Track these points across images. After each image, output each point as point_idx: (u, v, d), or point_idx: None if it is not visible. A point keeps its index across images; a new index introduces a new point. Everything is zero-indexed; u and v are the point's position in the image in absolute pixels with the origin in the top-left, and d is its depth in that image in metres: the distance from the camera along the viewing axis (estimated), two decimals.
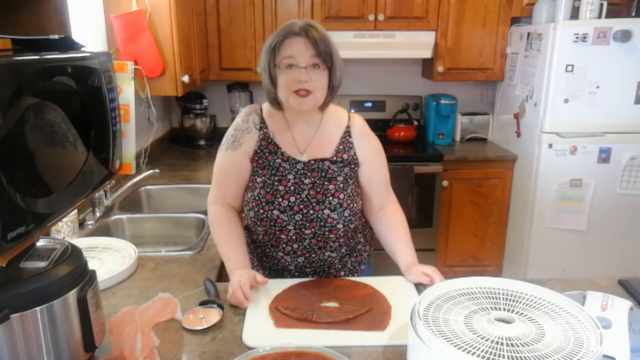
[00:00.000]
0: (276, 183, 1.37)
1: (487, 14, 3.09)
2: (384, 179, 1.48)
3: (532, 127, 2.87)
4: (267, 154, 1.38)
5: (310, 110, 1.36)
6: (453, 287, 1.01)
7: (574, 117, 2.72)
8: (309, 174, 1.38)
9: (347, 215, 1.38)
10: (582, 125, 2.73)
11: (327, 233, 1.38)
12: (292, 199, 1.36)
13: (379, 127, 3.31)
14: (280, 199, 1.35)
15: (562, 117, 2.73)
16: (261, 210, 1.36)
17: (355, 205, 1.40)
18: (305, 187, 1.37)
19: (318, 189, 1.37)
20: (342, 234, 1.41)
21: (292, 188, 1.36)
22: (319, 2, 3.01)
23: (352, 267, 1.51)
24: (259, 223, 1.39)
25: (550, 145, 2.78)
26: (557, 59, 2.65)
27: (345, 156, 1.40)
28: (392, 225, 1.46)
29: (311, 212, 1.36)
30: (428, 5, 3.05)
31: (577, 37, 2.60)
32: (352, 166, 1.41)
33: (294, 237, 1.39)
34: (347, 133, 1.43)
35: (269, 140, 1.39)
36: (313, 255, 1.42)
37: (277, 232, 1.38)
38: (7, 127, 0.69)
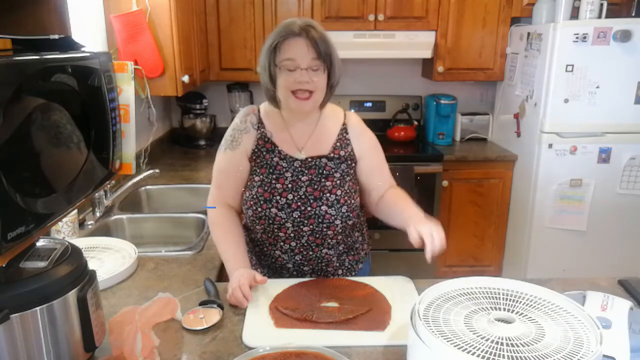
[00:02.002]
0: (274, 181, 1.37)
1: (487, 14, 3.09)
2: (385, 172, 1.47)
3: (532, 127, 2.87)
4: (264, 153, 1.39)
5: (310, 111, 1.37)
6: (453, 287, 1.01)
7: (574, 117, 2.72)
8: (306, 171, 1.38)
9: (345, 211, 1.38)
10: (582, 125, 2.73)
11: (325, 229, 1.39)
12: (290, 196, 1.36)
13: (379, 127, 3.30)
14: (278, 197, 1.36)
15: (562, 117, 2.72)
16: (259, 209, 1.37)
17: (352, 201, 1.40)
18: (302, 184, 1.37)
19: (315, 186, 1.37)
20: (340, 231, 1.41)
21: (289, 186, 1.37)
22: (319, 2, 3.01)
23: (349, 266, 1.51)
24: (257, 221, 1.39)
25: (550, 145, 2.77)
26: (557, 59, 2.64)
27: (342, 152, 1.41)
28: (393, 197, 1.42)
29: (309, 209, 1.36)
30: (428, 5, 3.05)
31: (577, 37, 2.60)
32: (349, 162, 1.42)
33: (292, 235, 1.39)
34: (344, 130, 1.44)
35: (266, 139, 1.40)
36: (311, 253, 1.42)
37: (276, 230, 1.39)
38: (8, 128, 0.69)
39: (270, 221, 1.37)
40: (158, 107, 3.02)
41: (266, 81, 1.35)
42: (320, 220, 1.37)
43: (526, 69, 2.93)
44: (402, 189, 1.47)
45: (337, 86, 1.38)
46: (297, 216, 1.36)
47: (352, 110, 1.56)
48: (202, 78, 2.88)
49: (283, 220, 1.37)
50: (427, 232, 1.18)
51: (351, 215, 1.40)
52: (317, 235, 1.40)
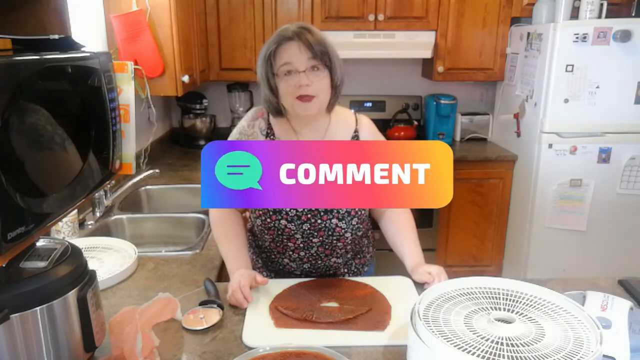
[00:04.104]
0: None
1: (487, 14, 3.09)
2: None
3: (532, 127, 2.87)
4: None
5: (317, 115, 1.33)
6: (453, 287, 1.01)
7: (574, 117, 2.72)
8: None
9: (355, 223, 1.37)
10: (582, 125, 2.73)
11: (334, 242, 1.38)
12: (300, 208, 1.34)
13: (379, 127, 3.28)
14: (287, 209, 1.34)
15: (562, 117, 2.72)
16: (268, 220, 1.36)
17: (363, 212, 1.40)
18: None
19: None
20: (349, 242, 1.41)
21: None
22: (319, 2, 3.01)
23: (356, 270, 1.51)
24: (266, 232, 1.38)
25: (550, 145, 2.77)
26: (557, 59, 2.64)
27: None
28: (400, 226, 1.44)
29: (319, 221, 1.35)
30: (428, 5, 3.05)
31: (577, 37, 2.60)
32: None
33: (301, 245, 1.38)
34: (355, 137, 1.41)
35: None
36: (319, 262, 1.42)
37: (285, 241, 1.38)
38: (7, 127, 0.69)
39: (280, 232, 1.36)
40: (158, 107, 3.02)
41: (267, 93, 1.32)
42: (330, 232, 1.36)
43: (526, 69, 2.93)
44: (410, 214, 1.46)
45: (343, 86, 1.34)
46: (307, 228, 1.35)
47: (353, 110, 1.55)
48: (202, 78, 2.88)
49: (292, 232, 1.36)
50: (435, 272, 1.28)
51: (361, 226, 1.40)
52: (327, 247, 1.39)
